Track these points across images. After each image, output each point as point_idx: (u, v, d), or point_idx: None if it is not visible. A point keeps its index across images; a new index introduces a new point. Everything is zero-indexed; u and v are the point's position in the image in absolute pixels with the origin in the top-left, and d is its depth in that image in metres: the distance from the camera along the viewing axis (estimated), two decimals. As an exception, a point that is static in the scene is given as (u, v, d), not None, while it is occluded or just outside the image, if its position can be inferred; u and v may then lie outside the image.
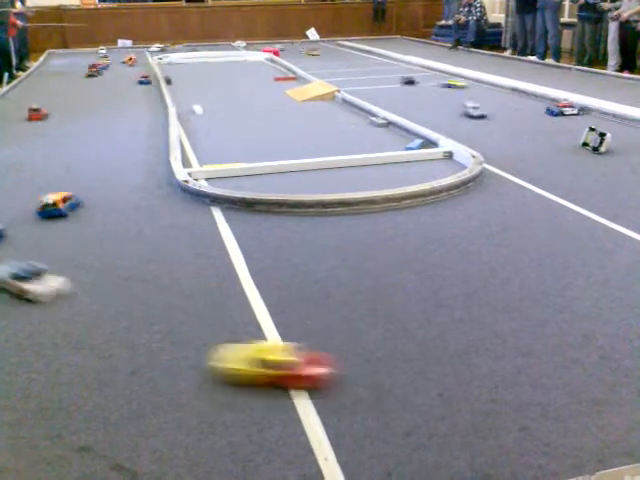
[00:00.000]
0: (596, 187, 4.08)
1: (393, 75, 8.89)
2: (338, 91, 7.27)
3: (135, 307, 2.66)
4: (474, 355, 2.26)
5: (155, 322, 2.53)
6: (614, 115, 5.98)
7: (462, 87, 7.89)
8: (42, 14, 12.09)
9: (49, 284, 2.78)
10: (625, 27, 8.86)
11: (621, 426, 1.88)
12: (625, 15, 8.81)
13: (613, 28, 9.07)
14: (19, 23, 10.03)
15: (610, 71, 9.03)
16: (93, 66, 9.73)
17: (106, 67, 10.24)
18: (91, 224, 3.59)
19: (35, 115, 6.34)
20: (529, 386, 2.08)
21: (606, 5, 9.14)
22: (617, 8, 8.97)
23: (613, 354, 2.25)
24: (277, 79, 8.91)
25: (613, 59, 9.16)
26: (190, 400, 2.06)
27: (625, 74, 8.72)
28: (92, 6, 14.43)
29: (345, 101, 6.98)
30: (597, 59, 9.49)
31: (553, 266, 2.97)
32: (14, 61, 9.83)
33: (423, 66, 9.95)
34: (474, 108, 6.14)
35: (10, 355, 2.34)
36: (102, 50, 12.40)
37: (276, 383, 2.08)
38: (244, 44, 13.29)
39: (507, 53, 11.68)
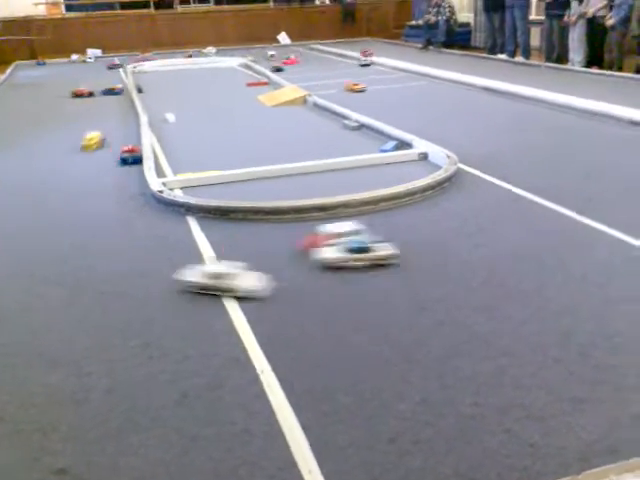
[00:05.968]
0: (569, 184, 4.10)
1: (366, 77, 8.91)
2: (309, 95, 7.25)
3: (111, 322, 2.61)
4: (456, 358, 2.25)
5: (132, 337, 2.48)
6: (584, 111, 6.04)
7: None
8: (8, 25, 11.92)
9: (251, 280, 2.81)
10: (592, 22, 8.97)
11: (603, 424, 1.88)
12: (591, 11, 8.92)
13: (579, 25, 9.16)
14: None
15: (577, 67, 9.13)
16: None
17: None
18: (63, 236, 3.53)
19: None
20: (511, 387, 2.07)
21: (572, 19, 9.18)
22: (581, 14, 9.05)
23: (593, 351, 2.25)
24: (250, 84, 8.88)
25: (579, 55, 9.26)
26: (170, 416, 2.02)
27: (594, 69, 8.82)
28: (59, 16, 14.26)
29: (316, 105, 6.97)
30: (565, 56, 9.59)
31: (530, 264, 2.98)
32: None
33: (394, 67, 9.98)
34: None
35: (-17, 377, 2.28)
36: (90, 59, 12.50)
37: None
38: (214, 50, 13.22)
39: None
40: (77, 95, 8.27)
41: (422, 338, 2.39)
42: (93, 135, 5.53)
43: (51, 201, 4.15)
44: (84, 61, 12.59)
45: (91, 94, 8.34)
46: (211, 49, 13.28)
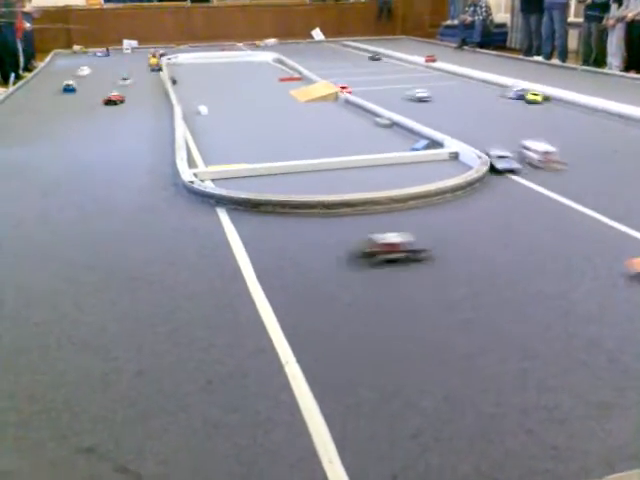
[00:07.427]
0: (602, 188, 4.05)
1: (399, 75, 8.88)
2: (341, 91, 7.25)
3: (140, 308, 2.66)
4: (480, 358, 2.25)
5: (160, 323, 2.53)
6: (620, 115, 5.95)
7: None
8: (48, 14, 12.10)
9: None
10: (632, 27, 8.82)
11: (629, 429, 1.87)
12: (630, 15, 8.77)
13: (618, 29, 9.02)
14: (27, 25, 10.07)
15: (615, 71, 8.99)
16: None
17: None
18: (96, 223, 3.59)
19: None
20: (535, 389, 2.07)
21: (610, 22, 9.07)
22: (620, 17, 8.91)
23: (621, 357, 2.23)
24: (282, 79, 8.91)
25: (617, 59, 9.12)
26: (195, 401, 2.06)
27: (631, 74, 8.68)
28: (97, 6, 14.43)
29: (348, 101, 6.97)
30: (603, 60, 9.45)
31: (558, 268, 2.95)
32: (22, 62, 9.88)
33: (428, 67, 9.94)
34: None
35: (15, 356, 2.34)
36: (127, 49, 12.73)
37: None
38: (274, 41, 13.57)
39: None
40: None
41: (447, 336, 2.39)
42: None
43: (86, 188, 4.22)
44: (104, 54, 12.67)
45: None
46: (270, 41, 13.63)
